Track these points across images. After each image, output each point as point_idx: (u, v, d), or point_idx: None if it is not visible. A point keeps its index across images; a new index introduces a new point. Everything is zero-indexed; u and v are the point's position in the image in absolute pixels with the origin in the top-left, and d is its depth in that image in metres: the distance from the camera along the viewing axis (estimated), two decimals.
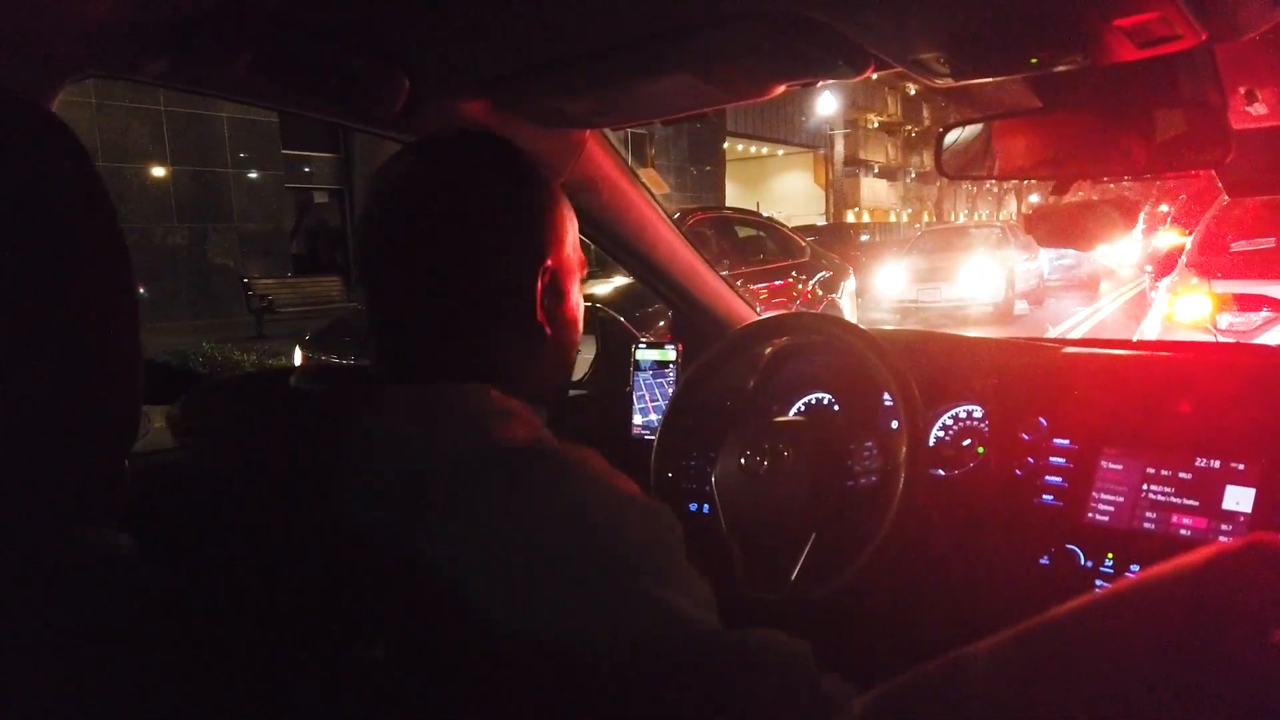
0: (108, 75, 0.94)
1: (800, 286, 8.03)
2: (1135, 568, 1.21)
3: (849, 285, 8.83)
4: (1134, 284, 15.63)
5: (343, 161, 15.52)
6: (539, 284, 0.79)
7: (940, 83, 1.02)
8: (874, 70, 1.04)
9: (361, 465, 0.71)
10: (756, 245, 8.53)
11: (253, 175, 14.45)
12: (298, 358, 5.75)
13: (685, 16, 0.98)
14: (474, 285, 0.77)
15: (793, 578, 1.28)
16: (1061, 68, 0.95)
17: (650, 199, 1.58)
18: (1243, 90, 1.03)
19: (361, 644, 0.68)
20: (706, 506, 1.56)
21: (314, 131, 15.20)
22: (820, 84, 1.10)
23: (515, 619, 0.64)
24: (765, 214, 10.17)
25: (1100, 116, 1.02)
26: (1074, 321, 11.54)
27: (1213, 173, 1.10)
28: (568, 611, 0.65)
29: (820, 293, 8.17)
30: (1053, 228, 1.17)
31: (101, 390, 0.61)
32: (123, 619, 0.56)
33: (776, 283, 7.84)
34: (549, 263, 0.80)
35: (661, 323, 4.33)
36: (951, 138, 1.13)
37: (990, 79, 1.01)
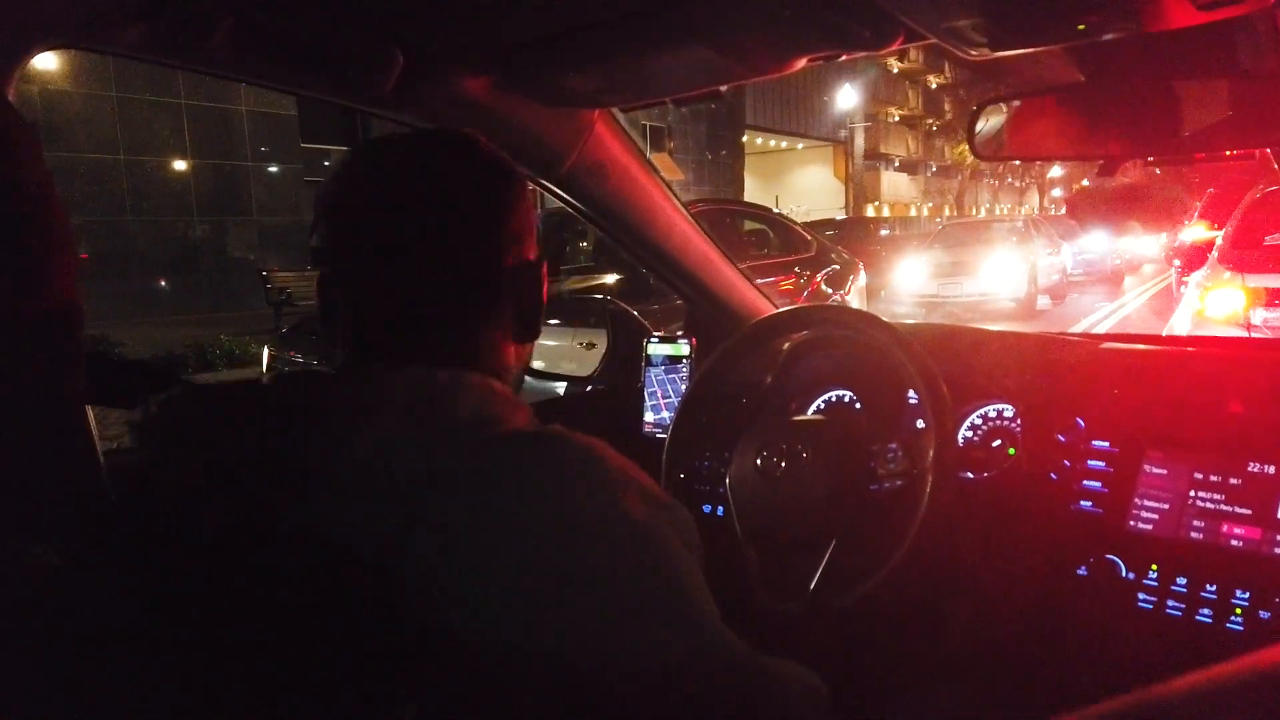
0: (74, 45, 0.87)
1: (804, 282, 7.71)
2: (1182, 581, 1.12)
3: (859, 282, 8.50)
4: (1158, 279, 15.43)
5: None
6: (521, 275, 0.78)
7: (975, 54, 0.94)
8: (902, 41, 0.96)
9: (345, 458, 0.63)
10: (758, 239, 8.15)
11: (272, 169, 14.52)
12: (265, 357, 5.68)
13: None
14: (456, 276, 0.74)
15: (812, 586, 1.20)
16: (1110, 36, 0.86)
17: (662, 185, 1.51)
18: None
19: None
20: (720, 509, 1.49)
21: (332, 125, 15.22)
22: (844, 58, 1.02)
23: (524, 632, 0.58)
24: (776, 209, 9.91)
25: (1151, 90, 0.93)
26: (1098, 317, 11.39)
27: (1269, 152, 1.01)
28: (582, 625, 0.58)
29: (827, 290, 7.80)
30: (1096, 210, 1.08)
31: (36, 394, 0.55)
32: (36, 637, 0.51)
33: (778, 278, 7.49)
34: (528, 254, 0.79)
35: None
36: (986, 116, 1.04)
37: (1030, 49, 0.93)
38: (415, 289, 0.73)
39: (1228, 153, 1.01)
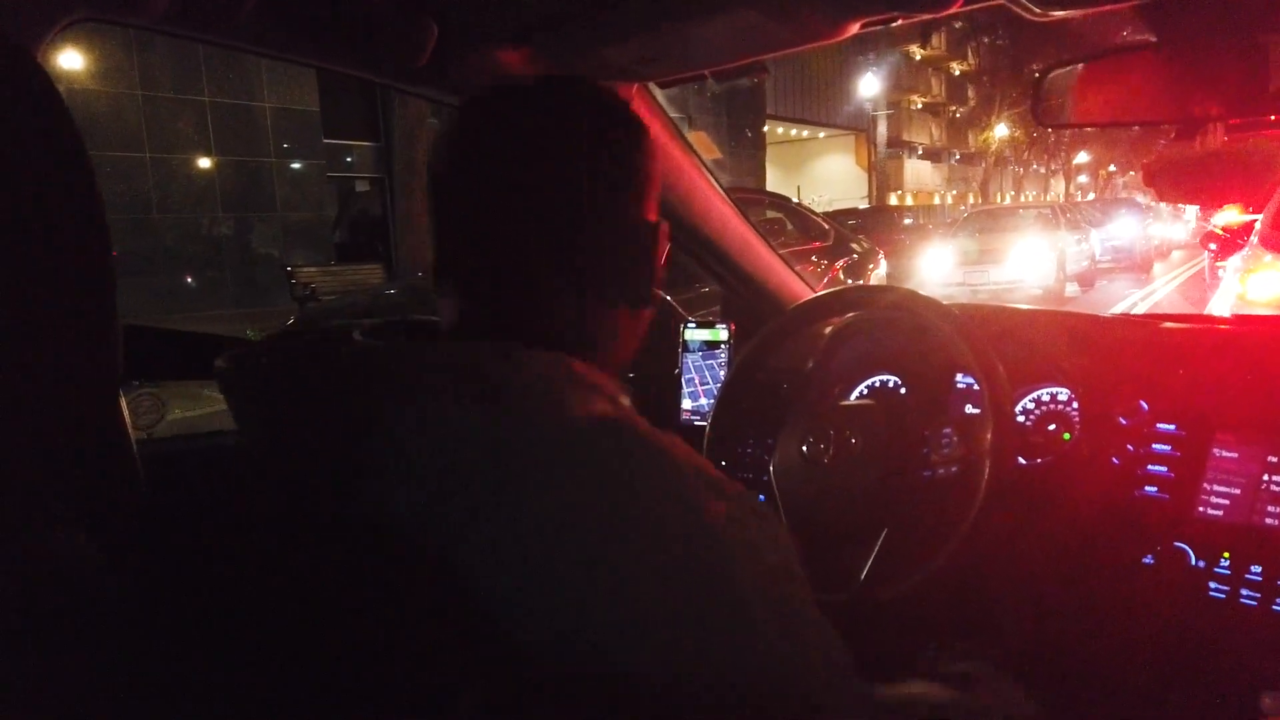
0: (101, 19, 0.84)
1: (822, 271, 7.49)
2: (1257, 569, 1.07)
3: (879, 270, 8.30)
4: (1187, 265, 15.18)
5: (383, 149, 15.55)
6: (636, 243, 0.71)
7: (1039, 12, 0.89)
8: (963, 3, 0.90)
9: (407, 438, 0.59)
10: (773, 228, 7.93)
11: (295, 165, 14.57)
12: None
13: None
14: (560, 243, 0.68)
15: (862, 577, 1.16)
16: None
17: (700, 165, 1.46)
18: None
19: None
20: (764, 497, 1.45)
21: (355, 120, 15.27)
22: (899, 22, 0.97)
23: (576, 633, 0.53)
24: (798, 199, 9.70)
25: (1233, 48, 0.87)
26: (1128, 304, 11.22)
27: None
28: (640, 630, 0.53)
29: (846, 279, 7.62)
30: (1177, 180, 1.03)
31: (71, 374, 0.52)
32: (69, 631, 0.49)
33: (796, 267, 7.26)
34: (648, 218, 0.72)
35: None
36: (1051, 81, 0.99)
37: (1099, 8, 0.87)
38: (495, 252, 0.68)
39: None
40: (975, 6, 0.91)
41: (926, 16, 0.92)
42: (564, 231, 0.68)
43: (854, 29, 0.97)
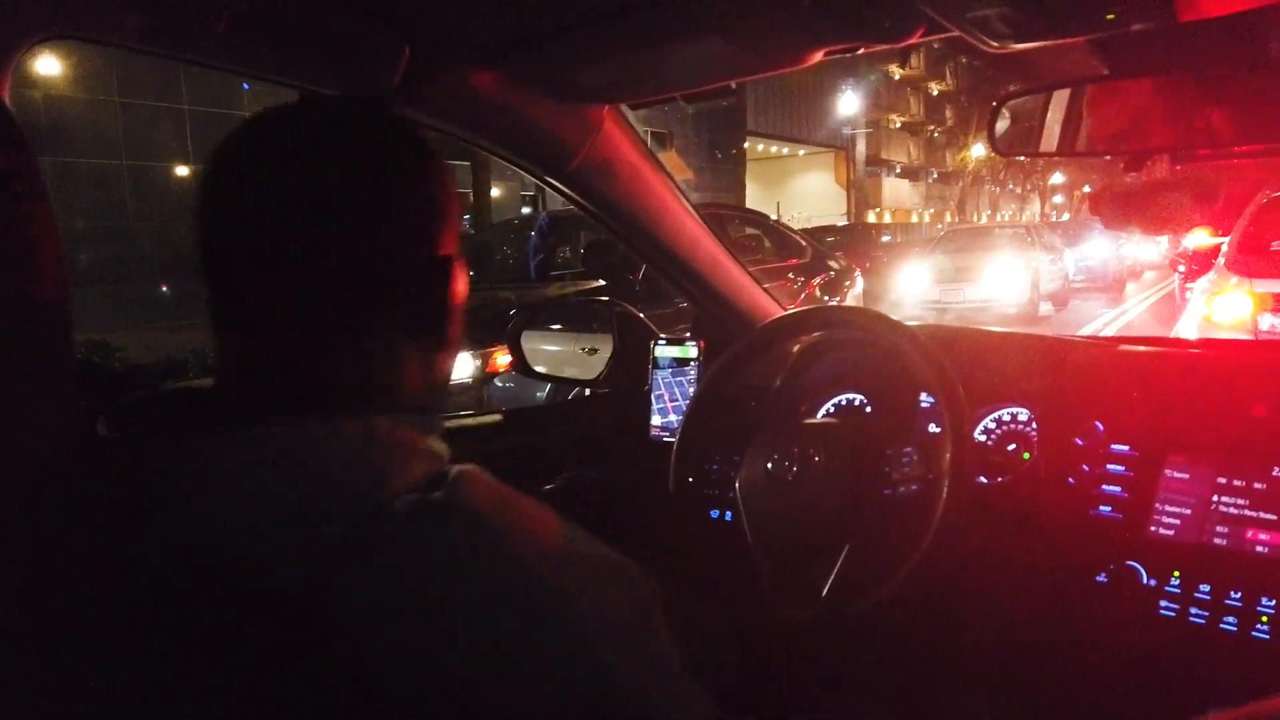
0: (73, 36, 0.85)
1: (799, 288, 7.42)
2: (1205, 588, 1.10)
3: (855, 288, 8.32)
4: (1159, 286, 15.41)
5: None
6: (436, 274, 0.66)
7: (996, 45, 0.92)
8: (924, 33, 0.93)
9: (253, 542, 0.55)
10: (750, 244, 7.86)
11: None
12: None
13: None
14: (354, 277, 0.62)
15: (824, 593, 1.17)
16: (1139, 26, 0.84)
17: (671, 184, 1.48)
18: None
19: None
20: (730, 514, 1.46)
21: None
22: (862, 51, 0.99)
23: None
24: (777, 215, 9.71)
25: (1181, 83, 0.91)
26: (1099, 324, 11.36)
27: None
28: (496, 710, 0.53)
29: (823, 296, 7.55)
30: (1121, 208, 1.05)
31: (23, 391, 0.53)
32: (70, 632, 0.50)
33: (772, 284, 7.14)
34: (444, 249, 0.66)
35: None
36: (1007, 111, 1.02)
37: (1055, 41, 0.90)
38: (276, 300, 0.61)
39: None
40: (934, 38, 0.93)
41: (886, 47, 0.95)
42: (344, 266, 0.61)
43: (818, 57, 1.00)
